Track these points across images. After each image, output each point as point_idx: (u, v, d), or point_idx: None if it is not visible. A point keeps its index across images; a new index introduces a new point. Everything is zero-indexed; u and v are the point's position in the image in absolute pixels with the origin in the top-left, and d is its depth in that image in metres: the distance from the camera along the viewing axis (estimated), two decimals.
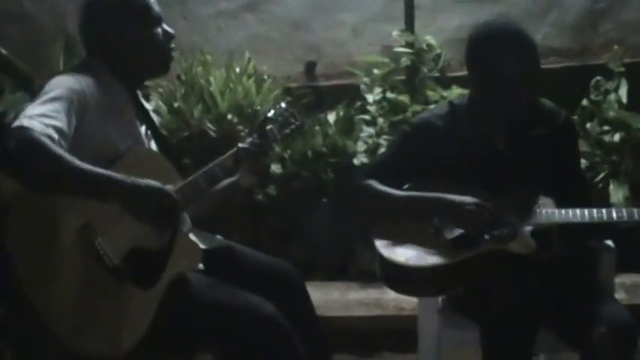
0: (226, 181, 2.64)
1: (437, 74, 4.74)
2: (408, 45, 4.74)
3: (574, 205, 2.55)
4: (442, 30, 5.13)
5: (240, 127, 4.36)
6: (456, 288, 2.63)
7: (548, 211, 2.56)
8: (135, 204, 2.30)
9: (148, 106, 2.77)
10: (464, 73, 2.87)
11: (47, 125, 2.22)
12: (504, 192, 2.62)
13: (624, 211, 2.54)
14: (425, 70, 4.74)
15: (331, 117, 4.57)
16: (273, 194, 4.47)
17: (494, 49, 2.60)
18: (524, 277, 2.55)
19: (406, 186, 2.70)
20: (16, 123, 2.23)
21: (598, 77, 4.50)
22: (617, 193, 4.12)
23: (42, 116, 2.24)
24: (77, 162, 2.22)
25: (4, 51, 4.70)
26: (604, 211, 2.54)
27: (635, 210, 2.52)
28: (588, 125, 4.35)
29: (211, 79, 4.53)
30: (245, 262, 2.71)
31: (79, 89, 2.38)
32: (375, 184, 2.70)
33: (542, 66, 2.65)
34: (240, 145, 2.63)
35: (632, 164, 4.25)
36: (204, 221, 2.74)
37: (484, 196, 2.59)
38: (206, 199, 2.62)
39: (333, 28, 5.42)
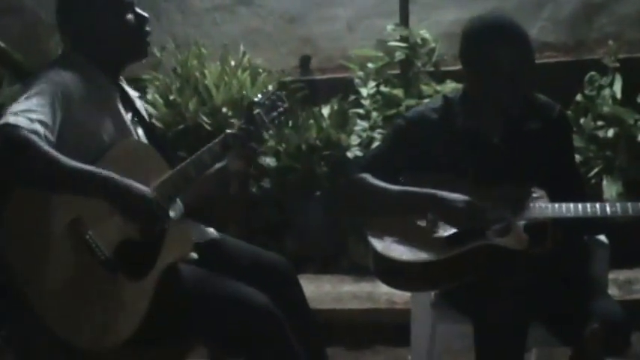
0: (215, 167, 2.63)
1: (431, 68, 4.75)
2: (403, 39, 4.74)
3: (568, 200, 2.55)
4: (436, 24, 5.12)
5: (235, 120, 4.36)
6: (449, 283, 2.62)
7: (542, 206, 2.56)
8: (120, 204, 2.31)
9: (133, 93, 2.76)
10: (458, 67, 2.87)
11: (33, 120, 2.22)
12: (498, 186, 2.62)
13: (618, 206, 2.53)
14: (419, 64, 4.74)
15: (325, 110, 4.58)
16: (267, 187, 4.48)
17: (488, 42, 2.59)
18: (517, 271, 2.55)
19: (400, 179, 2.70)
20: (2, 120, 2.23)
21: (592, 72, 4.49)
22: (610, 188, 4.13)
23: (27, 111, 2.24)
24: (64, 159, 2.23)
25: (2, 43, 4.71)
26: (598, 205, 2.53)
27: (630, 205, 2.52)
28: (582, 120, 4.35)
29: (206, 72, 4.53)
30: (238, 254, 2.72)
31: (62, 82, 2.38)
32: (369, 177, 2.69)
33: (536, 61, 2.65)
34: (228, 131, 2.63)
35: (625, 160, 4.25)
36: (198, 213, 2.74)
37: (478, 189, 2.59)
38: (197, 186, 2.61)
39: (328, 22, 5.42)
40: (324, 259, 4.52)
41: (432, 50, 4.75)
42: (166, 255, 2.43)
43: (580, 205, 2.53)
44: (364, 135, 4.46)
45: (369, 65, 4.72)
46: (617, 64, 4.49)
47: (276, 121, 2.79)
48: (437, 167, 2.68)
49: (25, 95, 2.32)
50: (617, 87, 4.41)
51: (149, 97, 4.43)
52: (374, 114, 4.56)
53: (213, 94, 4.46)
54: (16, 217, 2.27)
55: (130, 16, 2.55)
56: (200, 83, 4.51)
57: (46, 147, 2.20)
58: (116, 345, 2.35)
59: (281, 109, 2.78)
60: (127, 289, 2.36)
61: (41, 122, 2.24)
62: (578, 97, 4.41)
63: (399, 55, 4.69)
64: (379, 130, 4.43)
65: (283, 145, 4.46)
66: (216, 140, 2.60)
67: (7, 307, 2.48)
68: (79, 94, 2.41)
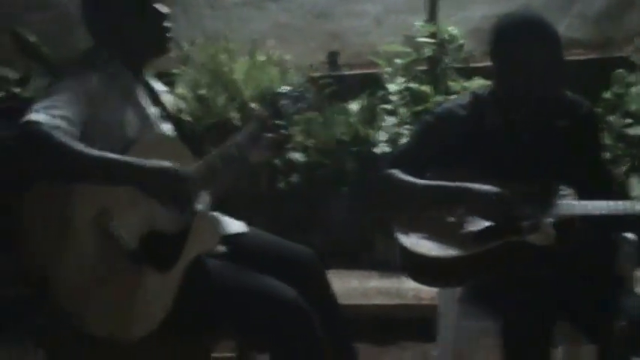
0: (241, 159, 2.64)
1: (459, 65, 4.73)
2: (431, 35, 4.73)
3: (596, 197, 2.54)
4: (465, 21, 5.10)
5: (260, 109, 4.37)
6: (476, 279, 2.63)
7: (570, 203, 2.55)
8: (149, 184, 2.31)
9: (161, 87, 2.78)
10: (486, 64, 2.87)
11: (54, 116, 2.24)
12: (526, 182, 2.61)
13: None
14: (447, 60, 4.73)
15: (353, 106, 4.58)
16: (295, 182, 4.48)
17: (517, 39, 2.59)
18: (544, 268, 2.55)
19: (428, 175, 2.70)
20: (24, 118, 2.25)
21: (620, 69, 4.47)
22: (638, 186, 4.10)
23: (49, 108, 2.26)
24: (86, 149, 2.24)
25: (31, 37, 4.75)
26: (626, 203, 2.53)
27: None
28: (610, 118, 4.33)
29: (235, 67, 4.54)
30: (266, 247, 2.72)
31: (86, 79, 2.40)
32: (397, 173, 2.69)
33: (565, 58, 2.63)
34: (255, 122, 2.64)
35: None
36: (226, 207, 2.75)
37: (505, 186, 2.58)
38: (224, 178, 2.62)
39: (357, 18, 5.40)
40: (351, 254, 4.52)
41: (460, 46, 4.73)
42: (192, 247, 2.43)
43: (608, 203, 2.52)
44: (392, 131, 4.45)
45: (397, 61, 4.71)
46: None
47: (302, 112, 2.78)
48: (464, 163, 2.67)
49: (49, 93, 2.34)
50: None
51: (178, 91, 4.43)
52: (402, 110, 4.55)
53: (242, 89, 4.46)
54: (41, 209, 2.28)
55: (150, 13, 2.55)
56: (229, 78, 4.52)
57: (68, 140, 2.21)
58: (142, 337, 2.36)
59: (306, 101, 2.77)
60: (153, 281, 2.37)
61: (63, 118, 2.25)
62: (607, 95, 4.39)
63: (427, 52, 4.68)
64: (407, 126, 4.41)
65: (312, 140, 4.46)
66: (242, 132, 2.62)
67: (33, 301, 2.51)
68: (103, 90, 2.42)
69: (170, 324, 2.38)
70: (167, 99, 2.75)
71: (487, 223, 2.60)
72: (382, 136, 4.44)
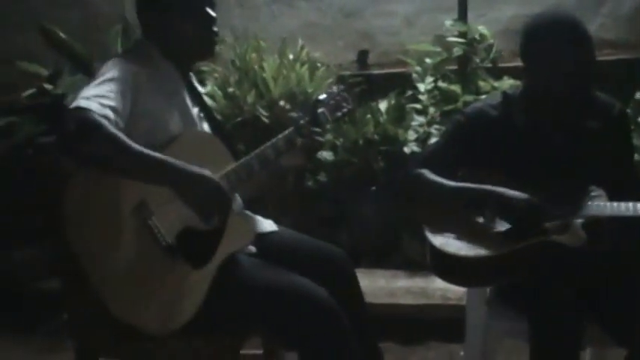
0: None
1: (489, 65, 4.70)
2: (461, 35, 4.71)
3: (627, 198, 2.52)
4: (495, 20, 5.09)
5: (293, 114, 4.38)
6: (505, 279, 2.62)
7: (600, 204, 2.54)
8: (185, 191, 2.33)
9: (201, 89, 2.80)
10: (516, 64, 2.86)
11: (104, 105, 2.26)
12: (556, 183, 2.60)
13: None
14: (477, 60, 4.71)
15: (383, 105, 4.57)
16: (323, 181, 4.49)
17: (548, 39, 2.58)
18: (574, 269, 2.54)
19: (459, 175, 2.70)
20: (74, 104, 2.28)
21: None
22: None
23: (99, 97, 2.28)
24: (133, 145, 2.26)
25: (64, 35, 4.80)
26: None
27: None
28: None
29: (265, 65, 4.53)
30: (296, 246, 2.73)
31: (133, 71, 2.42)
32: (427, 173, 2.70)
33: (596, 58, 2.61)
34: (293, 127, 2.65)
35: None
36: (256, 206, 2.77)
37: (536, 186, 2.58)
38: (256, 178, 2.63)
39: (386, 17, 5.40)
40: (378, 253, 4.52)
41: (490, 46, 4.71)
42: (227, 245, 2.45)
43: (638, 204, 2.49)
44: (421, 130, 4.44)
45: (427, 60, 4.71)
46: None
47: (341, 122, 2.83)
48: (495, 164, 2.67)
49: (98, 81, 2.36)
50: None
51: (208, 89, 4.46)
52: (431, 109, 4.54)
53: (271, 87, 4.46)
54: (81, 199, 2.31)
55: (202, 15, 2.57)
56: (258, 76, 4.52)
57: (116, 132, 2.24)
58: (173, 330, 2.38)
59: (345, 110, 2.81)
60: (187, 277, 2.39)
61: (112, 108, 2.28)
62: (638, 96, 4.34)
63: (457, 51, 4.66)
64: (436, 126, 4.41)
65: (341, 139, 4.47)
66: (281, 136, 2.62)
67: (66, 293, 2.55)
68: (150, 84, 2.45)
69: (201, 320, 2.39)
70: (206, 100, 2.79)
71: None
72: (411, 135, 4.44)
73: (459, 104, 4.40)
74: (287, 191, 4.22)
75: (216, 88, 4.50)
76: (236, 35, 4.73)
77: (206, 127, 2.68)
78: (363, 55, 5.36)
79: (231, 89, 4.52)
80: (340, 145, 4.48)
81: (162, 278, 2.37)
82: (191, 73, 2.72)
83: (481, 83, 4.59)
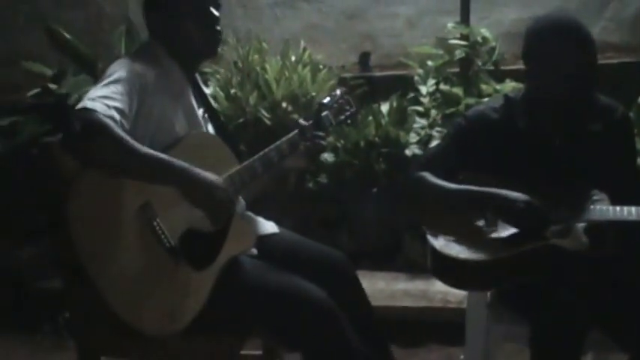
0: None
1: (491, 67, 4.69)
2: (463, 37, 4.71)
3: (629, 203, 2.52)
4: (497, 23, 5.09)
5: (295, 116, 4.38)
6: (506, 282, 2.62)
7: (603, 208, 2.54)
8: (191, 192, 2.35)
9: (207, 90, 2.81)
10: (518, 66, 2.86)
11: (110, 107, 2.27)
12: (558, 187, 2.60)
13: None
14: (479, 63, 4.69)
15: (384, 107, 4.57)
16: (324, 182, 4.48)
17: (552, 42, 2.58)
18: (575, 273, 2.54)
19: (460, 178, 2.69)
20: (80, 105, 2.29)
21: None
22: None
23: (104, 98, 2.29)
24: (138, 146, 2.27)
25: (68, 35, 4.81)
26: None
27: None
28: None
29: (267, 66, 4.54)
30: (298, 249, 2.74)
31: (140, 72, 2.43)
32: (428, 176, 2.70)
33: (598, 61, 2.61)
34: (297, 131, 2.67)
35: None
36: (258, 207, 2.77)
37: (538, 190, 2.58)
38: (258, 180, 2.65)
39: (388, 19, 5.39)
40: (379, 255, 4.51)
41: (493, 49, 4.69)
42: (230, 247, 2.47)
43: None
44: (423, 133, 4.44)
45: (429, 63, 4.70)
46: None
47: (343, 124, 2.85)
48: (497, 167, 2.67)
49: (105, 82, 2.37)
50: None
51: (210, 90, 4.47)
52: (433, 112, 4.54)
53: (274, 88, 4.47)
54: (85, 199, 2.31)
55: (206, 15, 2.58)
56: (260, 78, 4.53)
57: (121, 133, 2.25)
58: (175, 332, 2.39)
59: (348, 113, 2.83)
60: (189, 278, 2.40)
61: (117, 109, 2.29)
62: None
63: (459, 54, 4.65)
64: (438, 128, 4.41)
65: (342, 141, 4.47)
66: (284, 139, 2.64)
67: (67, 293, 2.56)
68: (156, 85, 2.45)
69: (202, 320, 2.40)
70: (211, 99, 2.80)
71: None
72: (413, 137, 4.43)
73: (461, 107, 4.39)
74: (288, 192, 4.21)
75: (218, 90, 4.50)
76: (238, 37, 4.73)
77: (211, 128, 2.69)
78: (365, 57, 5.36)
79: (233, 91, 4.52)
80: (341, 146, 4.47)
81: (164, 280, 2.38)
82: (197, 74, 2.73)
83: (483, 86, 4.59)
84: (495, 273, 2.59)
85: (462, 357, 2.93)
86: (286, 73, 4.53)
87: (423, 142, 4.40)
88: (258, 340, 2.84)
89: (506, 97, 2.80)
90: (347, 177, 4.46)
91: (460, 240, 2.62)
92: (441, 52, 4.73)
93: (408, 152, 4.36)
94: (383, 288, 4.22)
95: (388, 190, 4.35)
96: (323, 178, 4.49)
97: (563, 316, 2.45)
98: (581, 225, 2.53)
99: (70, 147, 2.28)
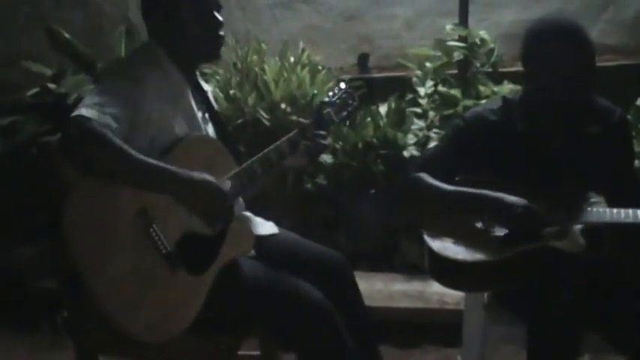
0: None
1: (489, 69, 4.70)
2: (461, 39, 4.72)
3: (627, 205, 2.52)
4: (496, 25, 5.10)
5: (294, 117, 4.39)
6: (503, 284, 2.62)
7: (600, 210, 2.54)
8: (187, 198, 2.35)
9: (207, 87, 2.80)
10: (516, 68, 2.87)
11: (105, 113, 2.27)
12: (556, 188, 2.61)
13: None
14: (477, 64, 4.70)
15: (383, 109, 4.57)
16: (322, 184, 4.49)
17: (550, 44, 2.58)
18: (572, 275, 2.54)
19: (457, 180, 2.70)
20: (75, 112, 2.29)
21: None
22: None
23: (100, 105, 2.29)
24: (133, 153, 2.27)
25: (67, 35, 4.82)
26: None
27: None
28: None
29: (266, 67, 4.55)
30: (296, 250, 2.73)
31: (138, 77, 2.42)
32: (426, 177, 2.71)
33: (597, 64, 2.62)
34: (297, 130, 2.65)
35: None
36: (258, 208, 2.77)
37: (535, 192, 2.58)
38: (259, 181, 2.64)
39: (387, 21, 5.41)
40: (377, 256, 4.52)
41: (491, 51, 4.70)
42: (228, 251, 2.46)
43: (638, 211, 2.49)
44: (421, 134, 4.45)
45: (427, 64, 4.71)
46: None
47: (346, 121, 2.83)
48: (494, 168, 2.67)
49: (101, 87, 2.37)
50: None
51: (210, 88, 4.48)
52: (431, 113, 4.54)
53: (272, 89, 4.47)
54: (82, 206, 2.31)
55: (210, 19, 2.56)
56: (259, 78, 4.53)
57: (117, 140, 2.25)
58: (171, 337, 2.38)
59: (350, 108, 2.81)
60: (186, 283, 2.39)
61: (113, 116, 2.28)
62: (639, 101, 4.34)
63: (457, 55, 4.66)
64: (436, 130, 4.42)
65: (340, 142, 4.47)
66: (284, 139, 2.62)
67: (65, 294, 2.56)
68: (155, 89, 2.44)
69: (200, 321, 2.40)
70: (212, 98, 2.79)
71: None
72: (411, 139, 4.44)
73: (459, 108, 4.39)
74: (286, 193, 4.22)
75: (217, 90, 4.50)
76: (237, 38, 4.74)
77: (210, 129, 2.68)
78: (363, 59, 5.37)
79: (232, 91, 4.52)
80: (340, 148, 4.47)
81: (160, 286, 2.37)
82: (197, 72, 2.71)
83: (481, 88, 4.59)
84: (492, 274, 2.59)
85: (458, 358, 2.94)
86: (285, 74, 4.53)
87: (421, 143, 4.40)
88: (256, 340, 2.84)
89: (504, 98, 2.80)
90: (345, 178, 4.47)
91: (457, 241, 2.63)
92: (439, 53, 4.74)
93: (406, 154, 4.36)
94: (380, 289, 4.22)
95: (386, 192, 4.36)
96: (321, 179, 4.49)
97: (559, 318, 2.45)
98: (578, 227, 2.54)
99: (66, 154, 2.28)
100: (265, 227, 2.77)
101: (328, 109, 2.73)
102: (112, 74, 2.45)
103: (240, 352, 2.64)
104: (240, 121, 4.44)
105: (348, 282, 2.74)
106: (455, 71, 4.77)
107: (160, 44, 2.56)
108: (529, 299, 2.54)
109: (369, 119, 4.49)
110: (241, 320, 2.50)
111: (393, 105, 4.58)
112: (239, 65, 4.64)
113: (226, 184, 2.45)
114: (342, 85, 2.83)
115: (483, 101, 4.13)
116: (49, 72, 4.86)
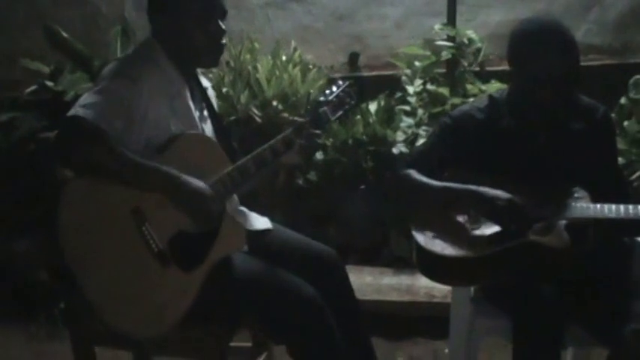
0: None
1: (476, 68, 4.73)
2: (450, 39, 4.73)
3: (610, 201, 2.53)
4: (483, 25, 5.12)
5: (285, 114, 4.41)
6: (489, 279, 2.65)
7: (584, 206, 2.55)
8: (178, 198, 2.35)
9: (207, 83, 2.78)
10: (503, 67, 2.87)
11: (101, 114, 2.28)
12: (541, 185, 2.62)
13: None
14: (465, 63, 4.72)
15: (372, 107, 4.58)
16: (313, 179, 4.49)
17: (535, 45, 2.59)
18: (557, 270, 2.57)
19: (445, 175, 2.72)
20: (71, 112, 2.29)
21: (637, 76, 4.40)
22: None
23: (96, 105, 2.30)
24: (126, 153, 2.28)
25: (64, 34, 4.82)
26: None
27: None
28: (626, 123, 4.28)
29: (258, 66, 4.55)
30: (289, 244, 2.74)
31: (135, 76, 2.41)
32: (414, 173, 2.72)
33: (581, 63, 2.63)
34: (292, 129, 2.62)
35: None
36: (251, 203, 2.77)
37: (521, 188, 2.60)
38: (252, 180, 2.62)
39: (377, 21, 5.41)
40: (366, 251, 4.53)
41: (478, 50, 4.72)
42: (219, 248, 2.45)
43: (622, 207, 2.51)
44: (409, 131, 4.46)
45: (416, 63, 4.72)
46: None
47: (342, 118, 2.78)
48: (481, 165, 2.69)
49: (98, 88, 2.37)
50: None
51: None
52: (420, 111, 4.56)
53: (265, 87, 4.48)
54: (75, 205, 2.33)
55: (213, 27, 2.54)
56: (252, 77, 4.54)
57: (111, 141, 2.26)
58: (162, 333, 2.41)
59: (348, 107, 2.75)
60: (177, 280, 2.40)
61: (108, 117, 2.29)
62: (623, 100, 4.35)
63: (445, 55, 4.68)
64: (424, 127, 4.43)
65: (331, 139, 4.47)
66: (279, 138, 2.58)
67: (60, 286, 2.59)
68: (152, 88, 2.44)
69: (192, 314, 2.41)
70: (212, 94, 2.78)
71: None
72: (400, 136, 4.46)
73: (447, 107, 4.41)
74: (278, 189, 4.25)
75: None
76: (231, 37, 4.76)
77: (208, 127, 2.67)
78: (353, 58, 5.37)
79: (225, 89, 4.52)
80: (330, 144, 4.48)
81: (152, 284, 2.38)
82: (198, 69, 2.70)
83: (469, 86, 4.61)
84: (479, 269, 2.60)
85: (446, 350, 2.96)
86: (277, 73, 4.54)
87: (410, 140, 4.42)
88: (248, 332, 2.86)
89: (490, 97, 2.82)
90: (335, 174, 4.48)
91: (445, 236, 2.64)
92: (428, 53, 4.75)
93: (395, 150, 4.38)
94: (370, 282, 4.24)
95: (375, 188, 4.37)
96: (312, 176, 4.51)
97: (544, 312, 2.48)
98: (562, 222, 2.55)
99: (61, 154, 2.29)
100: (260, 222, 2.76)
101: (324, 108, 2.67)
102: (110, 73, 2.42)
103: (232, 344, 2.63)
104: (232, 118, 4.45)
105: (339, 276, 2.75)
106: (443, 70, 4.79)
107: (161, 43, 2.54)
108: (514, 293, 2.56)
109: (359, 117, 4.50)
110: (232, 313, 2.50)
111: (382, 103, 4.59)
112: (232, 64, 4.64)
113: (216, 185, 2.44)
114: (340, 83, 2.77)
115: (471, 99, 4.13)
116: (46, 70, 4.87)
